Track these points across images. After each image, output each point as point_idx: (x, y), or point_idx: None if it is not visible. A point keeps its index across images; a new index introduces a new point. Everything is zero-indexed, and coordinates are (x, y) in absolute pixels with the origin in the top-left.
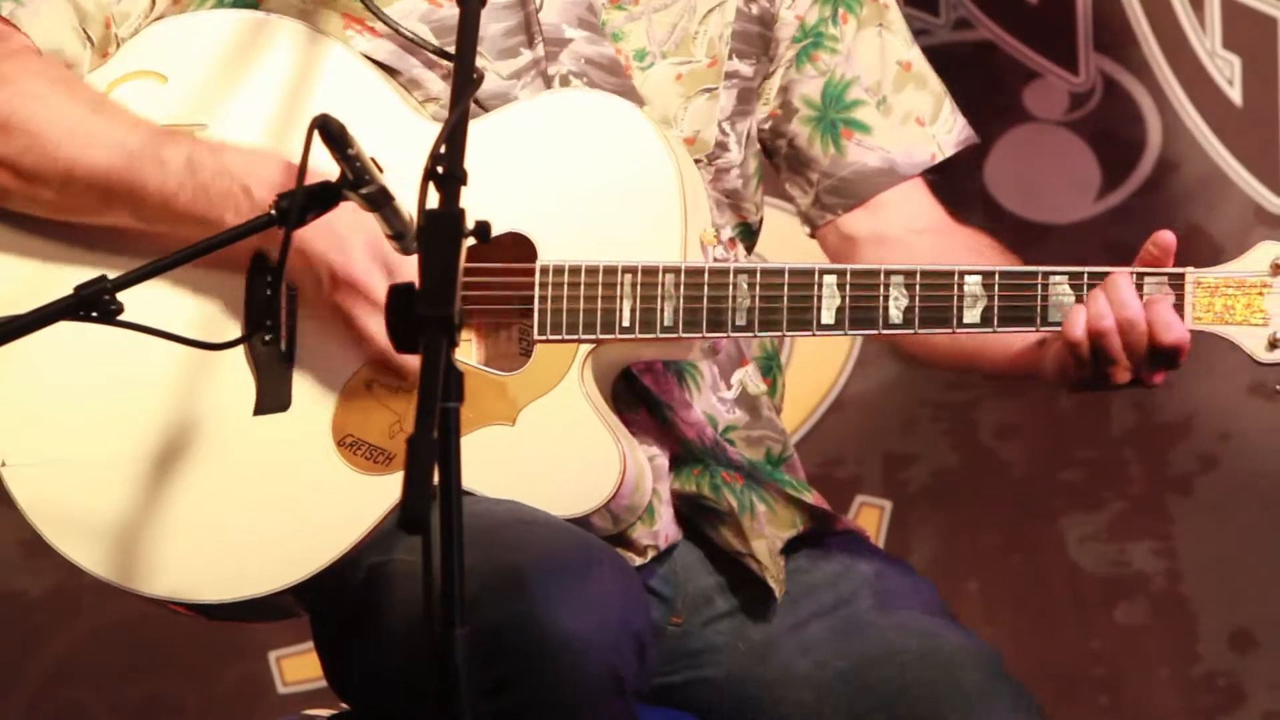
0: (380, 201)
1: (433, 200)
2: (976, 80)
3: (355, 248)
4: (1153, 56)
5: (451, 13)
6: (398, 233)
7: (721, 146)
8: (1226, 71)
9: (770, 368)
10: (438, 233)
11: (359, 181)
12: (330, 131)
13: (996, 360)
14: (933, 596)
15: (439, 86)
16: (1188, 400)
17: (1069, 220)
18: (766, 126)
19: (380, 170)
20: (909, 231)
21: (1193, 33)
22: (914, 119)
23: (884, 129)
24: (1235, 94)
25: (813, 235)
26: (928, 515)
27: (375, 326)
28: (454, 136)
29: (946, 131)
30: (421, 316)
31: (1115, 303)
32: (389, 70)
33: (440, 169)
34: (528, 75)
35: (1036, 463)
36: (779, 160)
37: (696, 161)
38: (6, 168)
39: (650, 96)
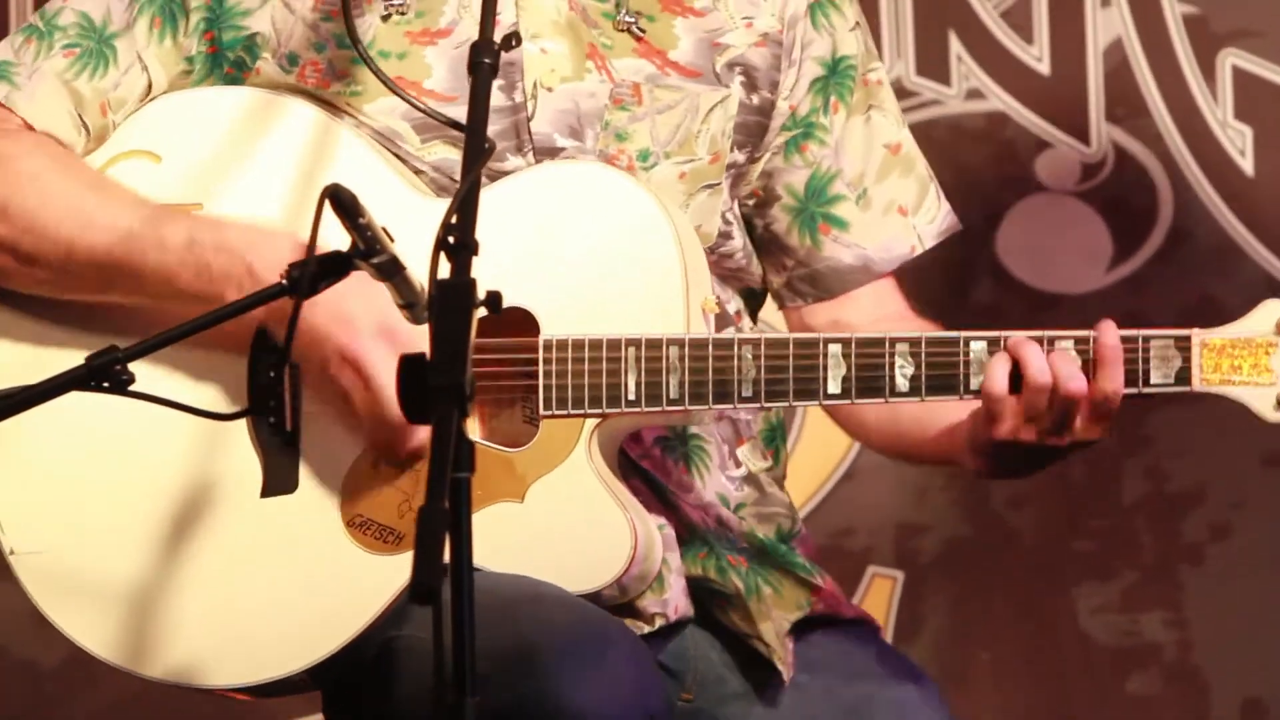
0: (392, 271)
1: (443, 270)
2: (989, 150)
3: (364, 330)
4: (1165, 127)
5: (439, 110)
6: (409, 302)
7: (725, 236)
8: (1238, 142)
9: (773, 439)
10: (449, 303)
11: (370, 251)
12: (341, 201)
13: (922, 448)
14: (941, 707)
15: (423, 166)
16: (1200, 470)
17: (1081, 290)
18: (750, 204)
19: (391, 240)
20: (870, 322)
21: (1204, 103)
22: (896, 208)
23: (862, 225)
24: (1247, 164)
25: (780, 309)
26: (940, 585)
27: (370, 410)
28: (465, 206)
29: (929, 221)
30: (433, 386)
31: (1025, 366)
32: (384, 139)
33: (451, 239)
34: None
35: (1048, 532)
36: (755, 237)
37: None
38: (5, 250)
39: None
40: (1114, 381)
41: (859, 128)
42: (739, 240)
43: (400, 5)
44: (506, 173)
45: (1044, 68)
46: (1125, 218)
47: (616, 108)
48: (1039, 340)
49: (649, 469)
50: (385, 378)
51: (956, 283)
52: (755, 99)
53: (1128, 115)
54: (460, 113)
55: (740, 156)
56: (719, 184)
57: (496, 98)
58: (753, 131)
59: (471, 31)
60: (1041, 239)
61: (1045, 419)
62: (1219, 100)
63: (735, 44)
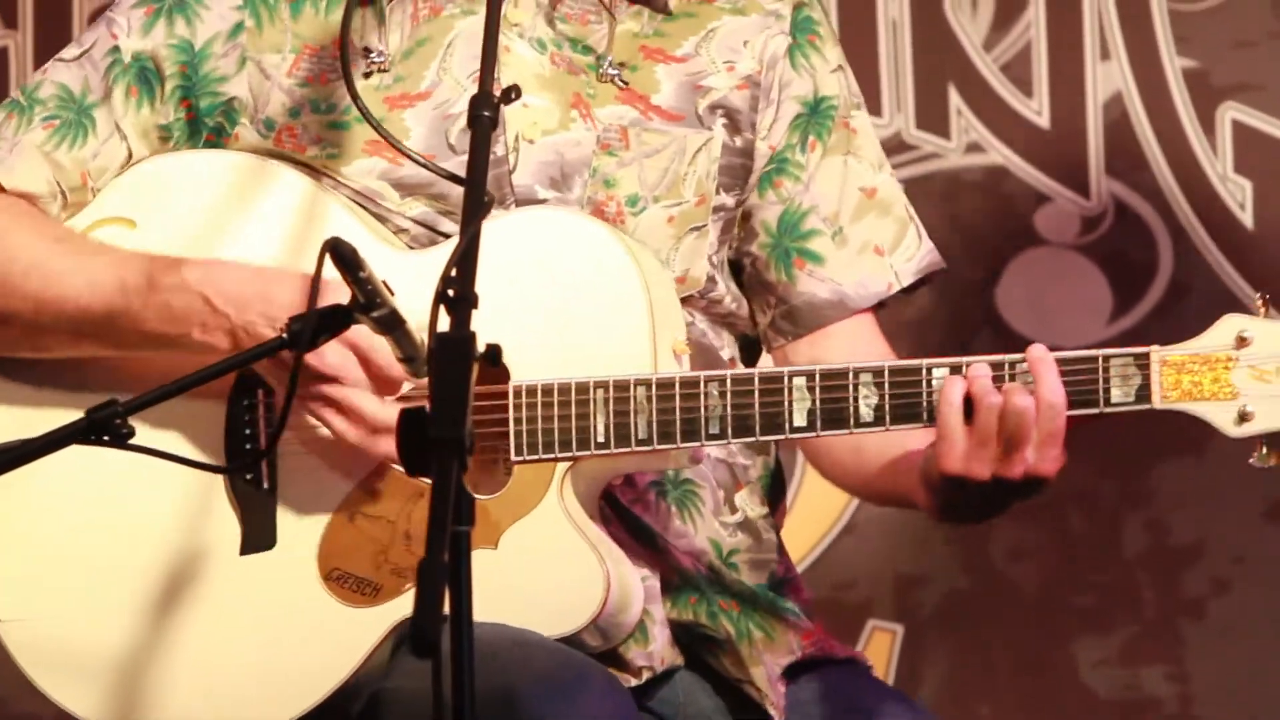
0: (392, 324)
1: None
2: (988, 204)
3: (328, 343)
4: (1164, 180)
5: (410, 172)
6: (409, 356)
7: (712, 281)
8: (1238, 195)
9: (773, 485)
10: (449, 356)
11: (371, 305)
12: (342, 254)
13: (882, 464)
14: None
15: (405, 223)
16: (1200, 524)
17: (1081, 344)
18: (732, 247)
19: (392, 293)
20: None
21: (1204, 157)
22: (872, 248)
23: (837, 260)
24: (1247, 218)
25: (768, 352)
26: (939, 639)
27: (343, 424)
28: (465, 259)
29: (906, 260)
30: (434, 439)
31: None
32: (363, 199)
33: (451, 292)
34: None
35: (1048, 586)
36: (743, 279)
37: (688, 298)
38: None
39: (643, 239)
40: (1054, 391)
41: (836, 168)
42: (723, 285)
43: (381, 63)
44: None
45: (1044, 121)
46: (1125, 271)
47: (604, 153)
48: (997, 365)
49: (639, 513)
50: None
51: (957, 336)
52: (738, 141)
53: (1128, 169)
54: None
55: (728, 200)
56: (705, 226)
57: None
58: (737, 174)
59: (450, 93)
60: (1042, 292)
61: (996, 444)
62: (1219, 154)
63: (717, 86)
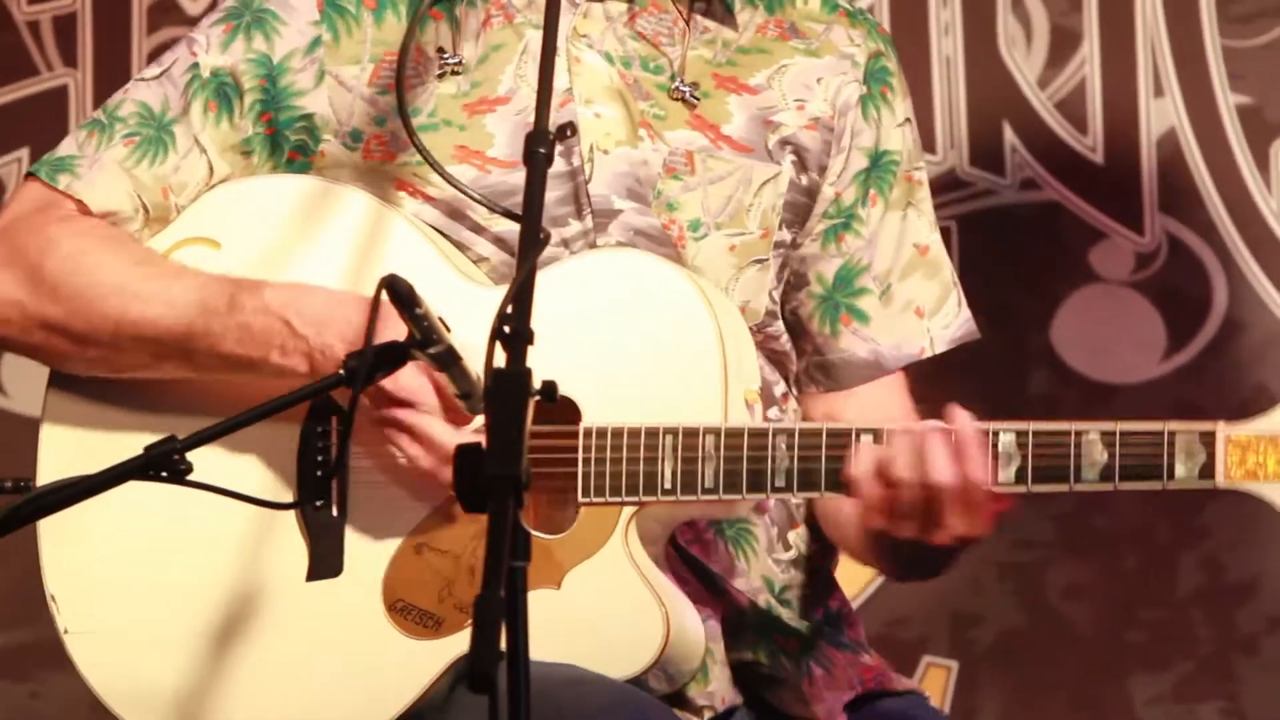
0: (448, 361)
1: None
2: (1043, 240)
3: (405, 368)
4: (1218, 217)
5: (497, 179)
6: (465, 392)
7: (771, 315)
8: None
9: None
10: (505, 392)
11: (427, 341)
12: (398, 291)
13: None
14: None
15: (489, 249)
16: (1254, 561)
17: (1136, 380)
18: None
19: (449, 330)
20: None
21: (1258, 194)
22: (914, 309)
23: (880, 320)
24: None
25: (798, 395)
26: (994, 676)
27: (416, 450)
28: (520, 296)
29: (943, 326)
30: (490, 476)
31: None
32: (438, 233)
33: (507, 328)
34: (576, 244)
35: (1103, 623)
36: (784, 314)
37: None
38: (59, 332)
39: (703, 267)
40: (976, 469)
41: (895, 223)
42: (782, 323)
43: (456, 64)
44: (566, 239)
45: (1098, 158)
46: (1179, 308)
47: (669, 176)
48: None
49: (698, 554)
50: (434, 399)
51: (1013, 374)
52: (805, 180)
53: (1181, 205)
54: (520, 180)
55: (788, 236)
56: (767, 260)
57: (554, 163)
58: (800, 212)
59: (529, 99)
60: (1096, 329)
61: (910, 511)
62: (1272, 190)
63: (787, 123)
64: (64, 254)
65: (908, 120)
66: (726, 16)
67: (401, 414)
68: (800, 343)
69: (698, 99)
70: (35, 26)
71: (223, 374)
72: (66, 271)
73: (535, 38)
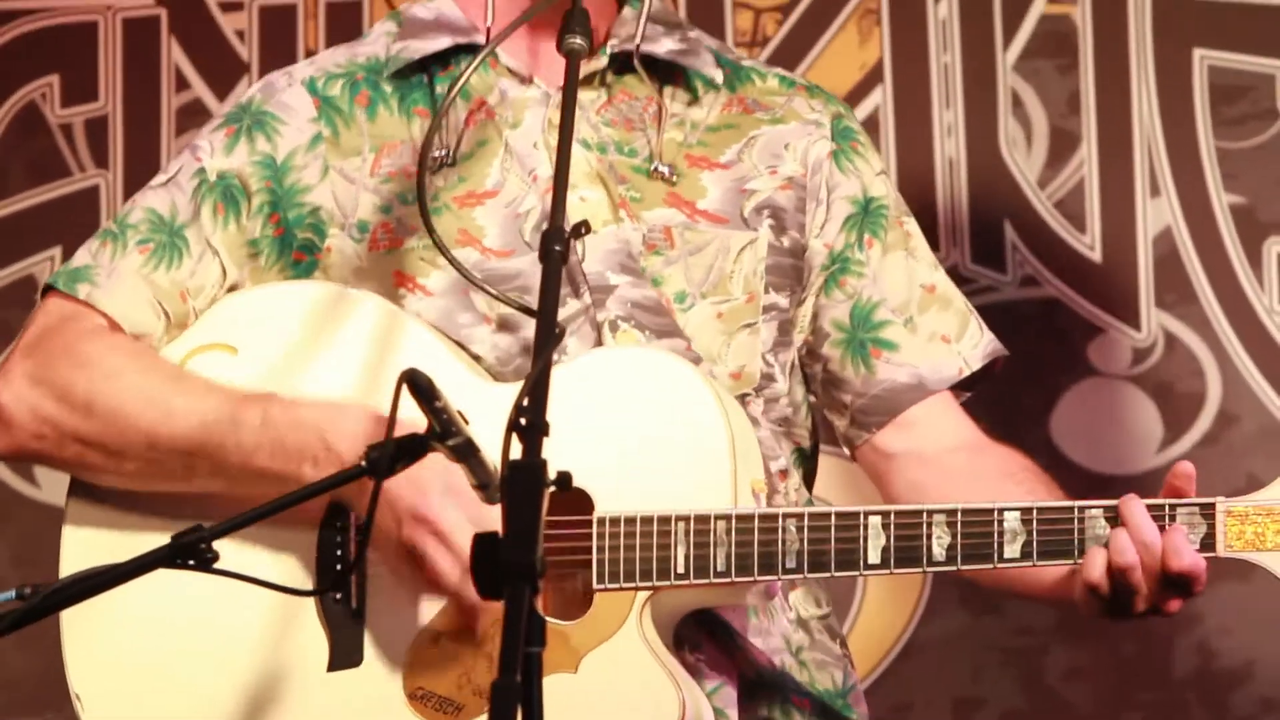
0: (466, 452)
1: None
2: (1043, 335)
3: (434, 489)
4: (1212, 313)
5: (499, 264)
6: (482, 483)
7: (768, 378)
8: None
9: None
10: (521, 483)
11: (446, 433)
12: (418, 384)
13: (1031, 587)
14: None
15: (487, 345)
16: (1248, 647)
17: (1132, 471)
18: (803, 353)
19: (466, 422)
20: (943, 450)
21: (1251, 291)
22: (939, 337)
23: (911, 346)
24: None
25: (853, 458)
26: None
27: (446, 564)
28: (536, 389)
29: (972, 347)
30: (506, 563)
31: (1133, 529)
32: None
33: (523, 420)
34: (576, 322)
35: (1101, 704)
36: (816, 386)
37: (744, 396)
38: (94, 447)
39: (693, 335)
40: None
41: (898, 262)
42: (782, 385)
43: (445, 156)
44: (567, 316)
45: (1096, 256)
46: (1175, 401)
47: (650, 252)
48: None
49: (719, 611)
50: (458, 533)
51: None
52: (785, 240)
53: (1177, 302)
54: (517, 265)
55: (781, 300)
56: (756, 324)
57: None
58: (787, 273)
59: (518, 190)
60: (1095, 421)
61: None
62: (1265, 287)
63: (761, 189)
64: (97, 370)
65: (883, 171)
66: (692, 100)
67: (429, 529)
68: (839, 396)
69: (676, 180)
70: (68, 129)
71: (254, 488)
72: (100, 388)
73: (513, 136)
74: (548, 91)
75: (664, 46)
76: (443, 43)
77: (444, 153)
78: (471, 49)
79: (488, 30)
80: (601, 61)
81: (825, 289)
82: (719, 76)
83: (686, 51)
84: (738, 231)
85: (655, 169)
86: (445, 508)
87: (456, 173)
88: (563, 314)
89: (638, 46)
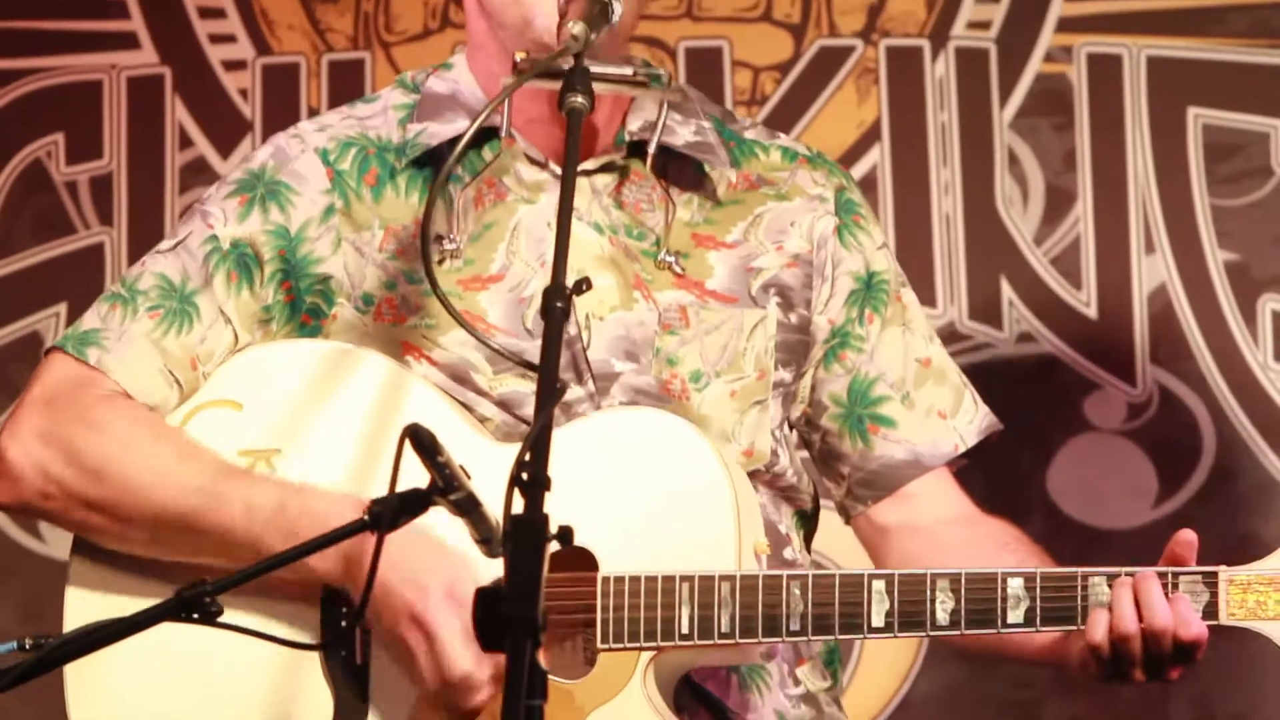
0: (469, 507)
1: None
2: (1039, 391)
3: (434, 593)
4: (1207, 369)
5: (502, 343)
6: (484, 537)
7: (775, 454)
8: (1279, 383)
9: (832, 660)
10: (523, 537)
11: (449, 488)
12: (421, 440)
13: (1023, 650)
14: None
15: (491, 410)
16: (1244, 698)
17: (1128, 526)
18: (802, 423)
19: (469, 477)
20: (938, 522)
21: (1245, 347)
22: (936, 412)
23: (908, 422)
24: None
25: (848, 523)
26: None
27: (430, 673)
28: (538, 445)
29: (968, 422)
30: (508, 616)
31: (1145, 606)
32: (452, 382)
33: (525, 475)
34: (581, 407)
35: None
36: (814, 454)
37: (755, 472)
38: (101, 513)
39: (709, 415)
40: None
41: (895, 337)
42: (785, 458)
43: (453, 249)
44: (569, 402)
45: (1092, 312)
46: (1170, 456)
47: (666, 333)
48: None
49: (712, 689)
50: (450, 640)
51: (1010, 519)
52: (793, 317)
53: (1172, 358)
54: (519, 347)
55: (786, 375)
56: (766, 400)
57: None
58: (795, 349)
59: (523, 274)
60: (1090, 477)
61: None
62: (1259, 343)
63: (768, 266)
64: (110, 438)
65: (884, 245)
66: (700, 178)
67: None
68: (837, 467)
69: (682, 269)
70: (73, 186)
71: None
72: (112, 456)
73: (528, 213)
74: None
75: (681, 138)
76: (459, 125)
77: (453, 245)
78: (489, 131)
79: (505, 110)
80: (620, 151)
81: (825, 362)
82: (732, 176)
83: (701, 145)
84: (749, 310)
85: (661, 258)
86: (440, 612)
87: (463, 256)
88: (567, 395)
89: (654, 141)
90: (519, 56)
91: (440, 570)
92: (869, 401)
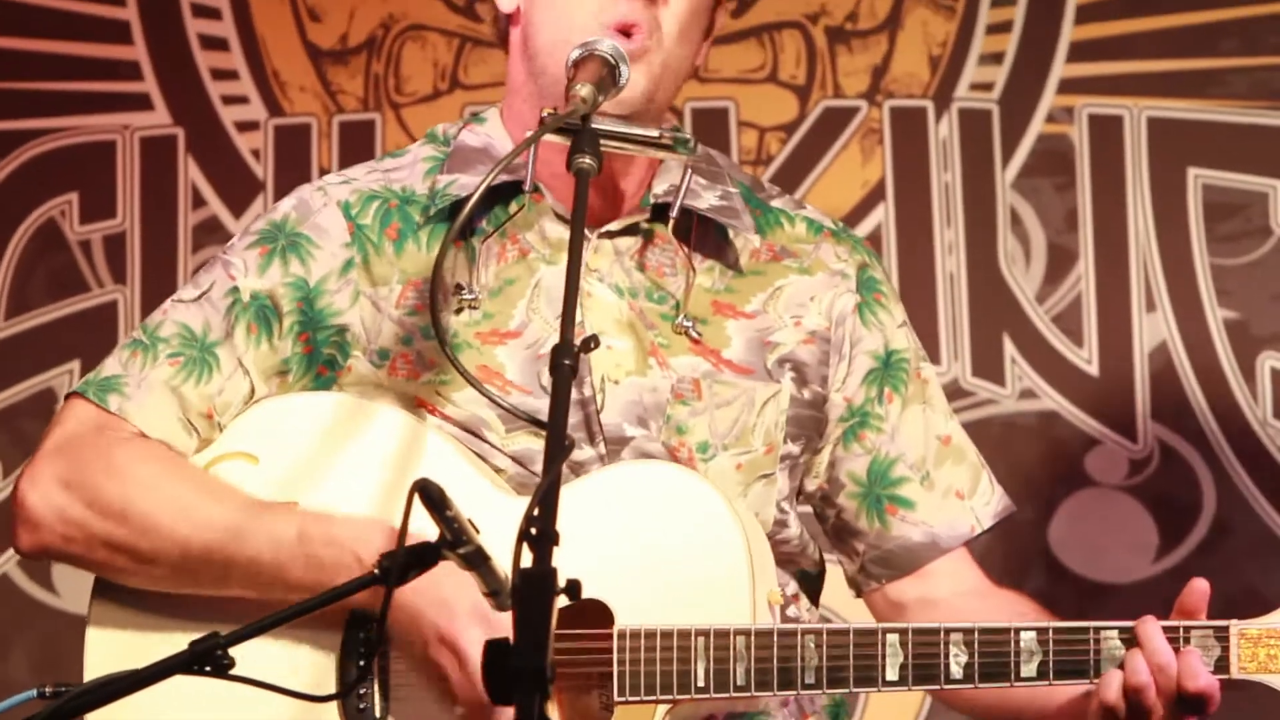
0: (477, 561)
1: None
2: (1041, 447)
3: (460, 611)
4: (1207, 426)
5: (514, 402)
6: (493, 590)
7: (780, 524)
8: (1278, 439)
9: (837, 714)
10: (531, 590)
11: (457, 542)
12: (430, 495)
13: (1044, 711)
14: None
15: (505, 462)
16: None
17: (1129, 580)
18: (817, 497)
19: (478, 531)
20: (954, 595)
21: (1245, 404)
22: (954, 492)
23: (927, 504)
24: None
25: (859, 596)
26: None
27: (464, 689)
28: (546, 499)
29: (984, 504)
30: (516, 669)
31: (1148, 651)
32: (467, 434)
33: (533, 530)
34: (590, 468)
35: None
36: (827, 528)
37: None
38: (125, 552)
39: (712, 484)
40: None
41: (916, 416)
42: (794, 529)
43: (472, 300)
44: (579, 462)
45: (1093, 369)
46: (1171, 511)
47: (678, 402)
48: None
49: None
50: (479, 658)
51: (1012, 573)
52: (806, 393)
53: (1172, 414)
54: (534, 404)
55: (795, 449)
56: (773, 474)
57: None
58: (806, 424)
59: (541, 332)
60: (1091, 532)
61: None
62: (1259, 400)
63: (785, 341)
64: (130, 478)
65: (905, 322)
66: (723, 245)
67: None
68: (852, 543)
69: (699, 335)
70: (86, 245)
71: (285, 596)
72: (133, 496)
73: (548, 273)
74: (589, 235)
75: (705, 201)
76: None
77: (472, 296)
78: (516, 185)
79: (532, 166)
80: (644, 213)
81: (844, 441)
82: (756, 241)
83: (726, 209)
84: (762, 384)
85: (679, 323)
86: (469, 629)
87: (483, 309)
88: (577, 454)
89: (676, 204)
90: (545, 112)
91: (464, 590)
92: (888, 482)
